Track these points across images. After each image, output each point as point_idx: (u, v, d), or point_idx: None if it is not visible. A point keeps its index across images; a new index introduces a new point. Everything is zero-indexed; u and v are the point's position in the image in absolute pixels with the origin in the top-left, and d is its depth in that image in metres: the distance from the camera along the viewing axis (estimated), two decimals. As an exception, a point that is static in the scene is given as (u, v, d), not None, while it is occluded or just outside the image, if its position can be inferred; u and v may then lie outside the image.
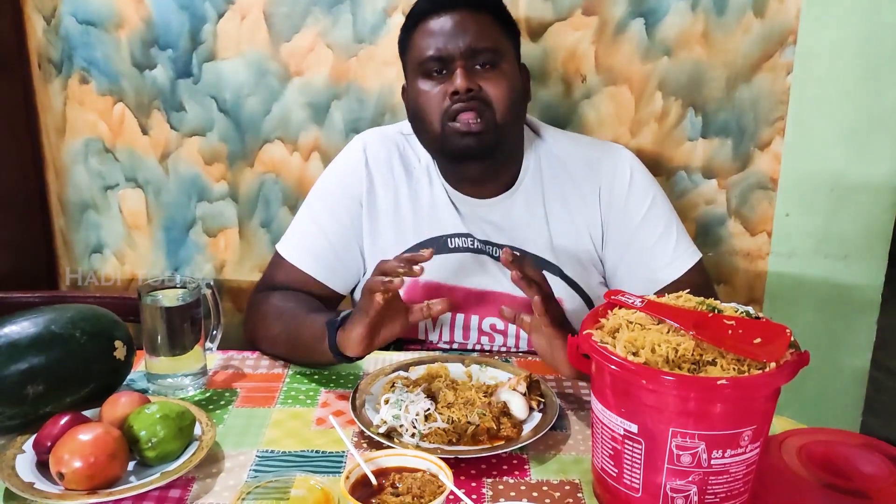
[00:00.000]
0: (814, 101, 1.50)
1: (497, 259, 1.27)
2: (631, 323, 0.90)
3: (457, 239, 1.27)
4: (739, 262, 1.62)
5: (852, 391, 1.67)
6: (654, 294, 0.96)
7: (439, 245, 1.27)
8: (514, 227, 1.27)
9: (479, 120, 1.16)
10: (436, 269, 1.27)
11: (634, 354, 0.84)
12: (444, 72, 1.18)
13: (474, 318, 1.29)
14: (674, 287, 1.18)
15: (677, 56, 1.51)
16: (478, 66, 1.18)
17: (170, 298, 1.11)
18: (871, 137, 1.51)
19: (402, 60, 1.26)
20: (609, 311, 0.93)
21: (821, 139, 1.52)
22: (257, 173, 1.64)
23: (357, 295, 1.35)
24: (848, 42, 1.47)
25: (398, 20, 1.51)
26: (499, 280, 1.26)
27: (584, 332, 0.89)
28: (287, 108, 1.59)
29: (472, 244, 1.27)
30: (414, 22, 1.22)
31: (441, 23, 1.18)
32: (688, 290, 0.96)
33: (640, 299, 0.92)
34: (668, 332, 0.87)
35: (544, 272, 1.26)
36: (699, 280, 1.25)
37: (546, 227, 1.27)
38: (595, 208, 1.27)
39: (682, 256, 1.27)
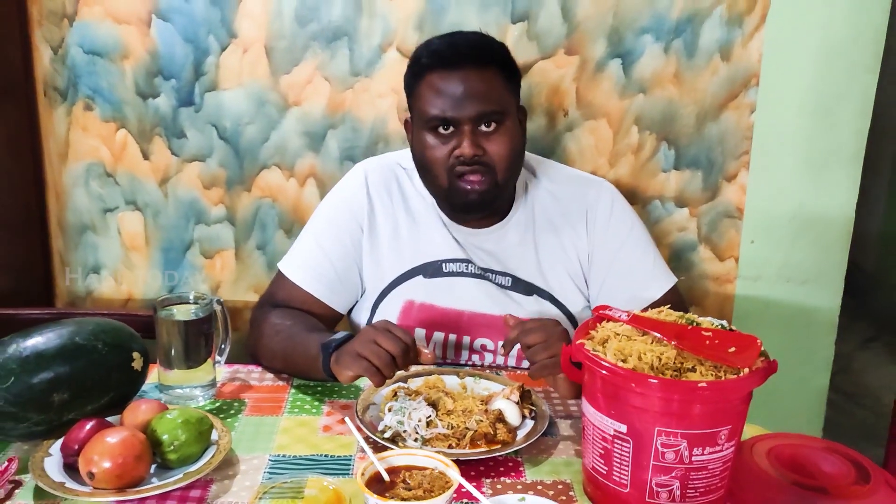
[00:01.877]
0: (775, 137, 1.63)
1: (496, 284, 1.35)
2: (618, 335, 0.99)
3: (451, 264, 1.36)
4: (710, 286, 1.73)
5: (813, 408, 1.78)
6: None
7: (434, 269, 1.36)
8: (506, 254, 1.36)
9: (482, 180, 1.25)
10: (431, 292, 1.35)
11: (623, 362, 0.93)
12: (450, 129, 1.25)
13: (466, 339, 1.37)
14: (652, 307, 1.28)
15: (652, 94, 1.63)
16: (482, 127, 1.25)
17: (184, 313, 1.17)
18: (827, 171, 1.64)
19: (408, 101, 1.33)
20: (598, 325, 1.03)
21: (782, 172, 1.65)
22: (254, 198, 1.71)
23: (354, 316, 1.43)
24: (805, 84, 1.61)
25: (392, 55, 1.61)
26: (491, 303, 1.35)
27: (577, 342, 0.98)
28: (285, 136, 1.68)
29: (468, 269, 1.36)
30: (420, 69, 1.27)
31: (448, 82, 1.23)
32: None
33: (626, 313, 1.02)
34: (651, 342, 0.96)
35: (535, 296, 1.35)
36: (675, 301, 1.35)
37: (535, 253, 1.36)
38: (582, 232, 1.37)
39: (660, 279, 1.37)
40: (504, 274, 1.36)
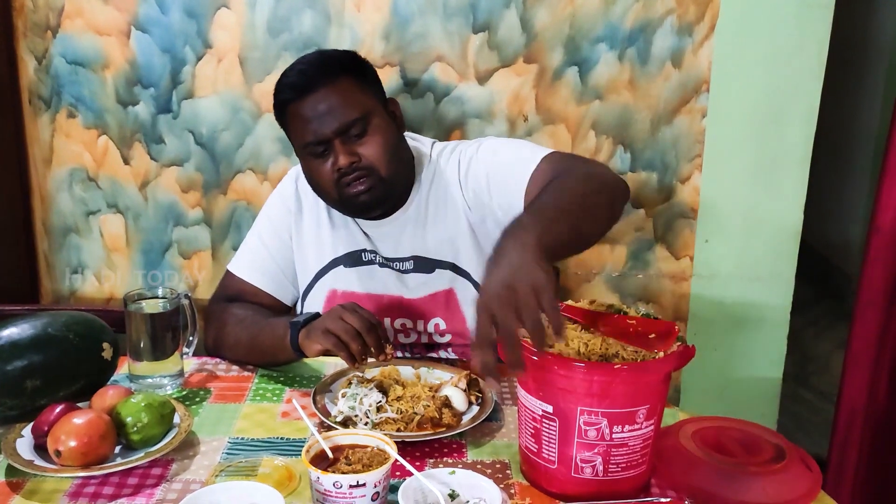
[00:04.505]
0: (726, 140, 1.71)
1: (401, 271, 1.41)
2: (551, 324, 1.06)
3: (368, 254, 1.44)
4: (666, 284, 1.80)
5: (768, 401, 1.85)
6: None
7: (354, 259, 1.44)
8: (412, 238, 1.42)
9: (366, 183, 1.31)
10: (351, 280, 1.43)
11: (550, 347, 1.00)
12: (325, 149, 1.31)
13: (387, 321, 1.44)
14: (533, 185, 1.24)
15: (607, 100, 1.71)
16: (351, 135, 1.30)
17: (152, 306, 1.25)
18: (775, 172, 1.72)
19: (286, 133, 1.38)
20: (533, 314, 1.10)
21: (733, 174, 1.73)
22: (230, 201, 1.79)
23: (300, 307, 1.49)
24: (753, 90, 1.68)
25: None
26: (401, 287, 1.42)
27: (510, 331, 1.05)
28: (258, 141, 1.76)
29: (376, 258, 1.43)
30: (282, 105, 1.34)
31: (306, 108, 1.29)
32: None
33: (560, 304, 1.09)
34: (580, 330, 1.03)
35: (437, 270, 1.41)
36: (551, 167, 1.25)
37: (439, 230, 1.40)
38: (459, 195, 1.38)
39: (527, 160, 1.29)
40: (407, 259, 1.42)
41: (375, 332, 1.20)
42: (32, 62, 1.73)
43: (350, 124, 1.30)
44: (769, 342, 1.81)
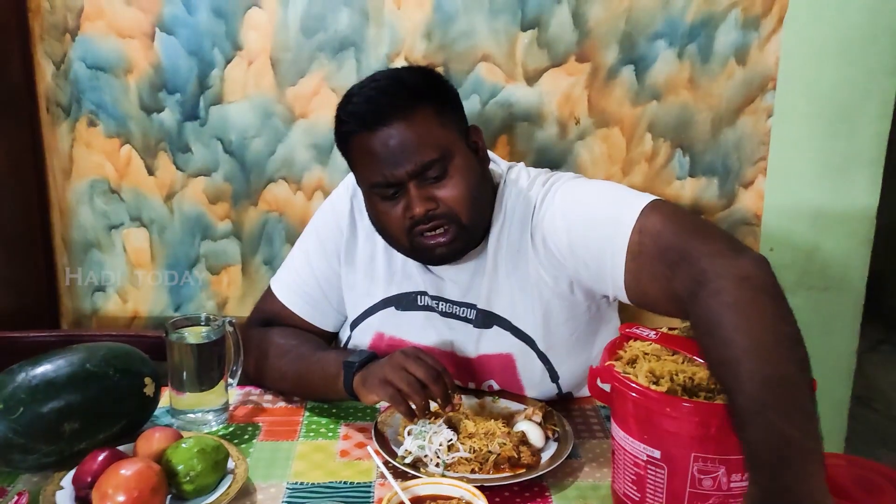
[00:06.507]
0: (793, 142, 1.60)
1: (462, 319, 1.24)
2: (647, 354, 0.96)
3: (426, 297, 1.25)
4: (727, 295, 1.69)
5: (835, 420, 1.74)
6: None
7: (408, 301, 1.26)
8: (477, 284, 1.22)
9: (445, 232, 1.13)
10: (401, 326, 1.26)
11: (655, 384, 0.89)
12: (396, 192, 1.13)
13: None
14: (633, 263, 1.05)
15: (665, 100, 1.60)
16: (428, 176, 1.12)
17: (196, 335, 1.14)
18: (846, 175, 1.61)
19: (347, 163, 1.22)
20: (625, 344, 0.99)
21: (800, 178, 1.62)
22: (261, 212, 1.68)
23: (344, 334, 1.36)
24: (823, 88, 1.57)
25: (401, 65, 1.58)
26: (454, 343, 1.25)
27: (606, 364, 0.94)
28: (291, 149, 1.64)
29: (438, 307, 1.25)
30: (346, 135, 1.16)
31: (378, 142, 1.10)
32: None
33: (654, 332, 0.99)
34: (682, 362, 0.93)
35: (495, 327, 1.22)
36: (655, 224, 1.04)
37: (502, 281, 1.21)
38: (531, 252, 1.19)
39: (623, 216, 1.07)
40: (470, 306, 1.23)
41: (442, 382, 1.07)
42: (50, 67, 1.61)
43: (427, 166, 1.10)
44: (837, 356, 1.70)
